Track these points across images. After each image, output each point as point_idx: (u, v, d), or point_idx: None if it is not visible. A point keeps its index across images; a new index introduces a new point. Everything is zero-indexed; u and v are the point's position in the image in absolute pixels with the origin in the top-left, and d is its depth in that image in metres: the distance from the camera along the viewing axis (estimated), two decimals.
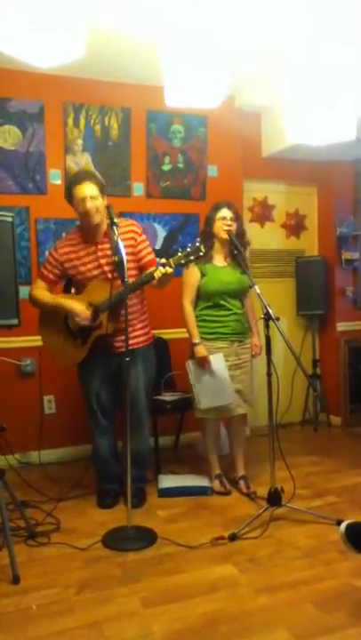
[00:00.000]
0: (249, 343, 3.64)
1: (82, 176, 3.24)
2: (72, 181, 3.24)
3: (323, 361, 5.32)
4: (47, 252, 3.52)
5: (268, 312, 3.10)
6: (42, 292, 3.36)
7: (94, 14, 3.07)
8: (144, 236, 3.38)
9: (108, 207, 3.16)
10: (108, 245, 3.21)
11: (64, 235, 4.17)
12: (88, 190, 3.15)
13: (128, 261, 3.13)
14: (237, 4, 3.08)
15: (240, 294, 3.62)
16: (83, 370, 3.41)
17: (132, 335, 3.22)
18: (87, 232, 3.29)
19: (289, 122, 4.13)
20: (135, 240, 3.30)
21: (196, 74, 3.24)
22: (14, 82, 4.09)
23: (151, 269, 3.15)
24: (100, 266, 3.26)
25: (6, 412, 3.67)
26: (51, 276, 3.38)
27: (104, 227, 3.24)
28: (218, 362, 3.48)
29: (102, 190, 3.22)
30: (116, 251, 3.03)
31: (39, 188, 4.24)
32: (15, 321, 2.81)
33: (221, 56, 3.17)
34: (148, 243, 3.39)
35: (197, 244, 2.99)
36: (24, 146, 4.19)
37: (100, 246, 3.26)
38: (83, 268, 3.29)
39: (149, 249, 3.38)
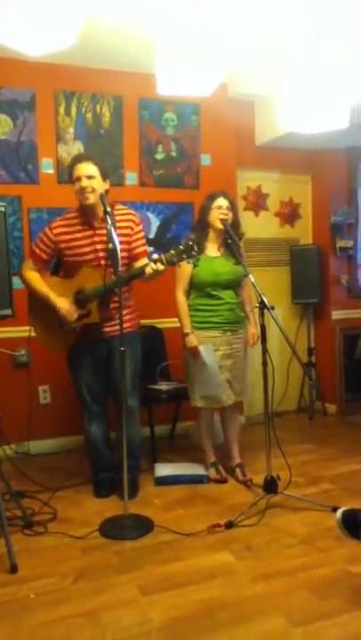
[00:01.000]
0: (243, 333, 3.63)
1: (83, 156, 3.31)
2: (73, 161, 3.27)
3: (318, 349, 5.33)
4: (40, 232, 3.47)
5: (263, 301, 3.10)
6: (33, 275, 3.32)
7: (86, 2, 3.04)
8: (140, 227, 3.37)
9: (100, 195, 3.13)
10: (105, 231, 3.17)
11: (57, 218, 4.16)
12: (86, 169, 3.16)
13: (122, 250, 3.13)
14: (237, 4, 3.07)
15: (233, 284, 3.61)
16: (72, 359, 3.39)
17: (117, 321, 3.19)
18: (85, 215, 3.26)
19: (282, 110, 4.11)
20: (132, 229, 3.29)
21: (188, 62, 3.21)
22: (5, 70, 4.04)
23: (142, 261, 3.14)
24: (95, 250, 3.22)
25: (1, 403, 3.66)
26: (43, 256, 3.34)
27: (100, 211, 3.20)
28: (207, 352, 3.48)
29: (104, 175, 3.22)
30: (110, 238, 3.01)
31: (31, 177, 4.21)
32: (9, 311, 2.80)
33: (215, 48, 3.15)
34: (143, 234, 3.39)
35: (190, 242, 2.95)
36: (15, 135, 4.15)
37: (97, 231, 3.23)
38: (77, 250, 3.25)
39: (143, 241, 3.37)
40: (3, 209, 2.79)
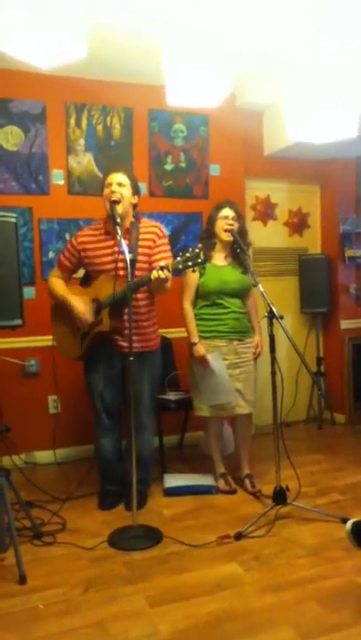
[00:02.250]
0: (250, 342, 3.63)
1: (118, 166, 3.35)
2: (107, 170, 3.33)
3: (327, 359, 5.31)
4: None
5: (271, 310, 3.10)
6: (57, 281, 3.39)
7: (96, 14, 3.08)
8: (165, 240, 3.36)
9: (111, 205, 3.15)
10: (127, 242, 3.19)
11: (67, 235, 4.20)
12: (118, 177, 3.21)
13: (142, 262, 3.20)
14: (237, 4, 3.09)
15: (240, 293, 3.61)
16: (88, 369, 3.41)
17: (139, 338, 3.22)
18: (110, 224, 3.28)
19: (291, 120, 4.12)
20: (154, 242, 3.30)
21: (197, 73, 3.24)
22: (16, 82, 4.10)
23: (151, 272, 3.15)
24: (115, 261, 3.21)
25: (11, 413, 3.67)
26: (67, 264, 3.40)
27: (127, 223, 3.25)
28: (216, 360, 3.48)
29: (134, 189, 3.27)
30: (130, 249, 3.04)
31: (42, 188, 4.25)
32: (19, 321, 2.80)
33: (222, 56, 3.17)
34: (167, 247, 3.36)
35: (197, 250, 2.93)
36: (26, 146, 4.19)
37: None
38: (98, 260, 3.28)
39: (165, 254, 3.31)
40: (14, 220, 2.81)
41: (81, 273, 3.50)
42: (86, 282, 3.44)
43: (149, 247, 3.28)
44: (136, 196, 3.29)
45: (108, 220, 3.30)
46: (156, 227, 3.37)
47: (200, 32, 3.05)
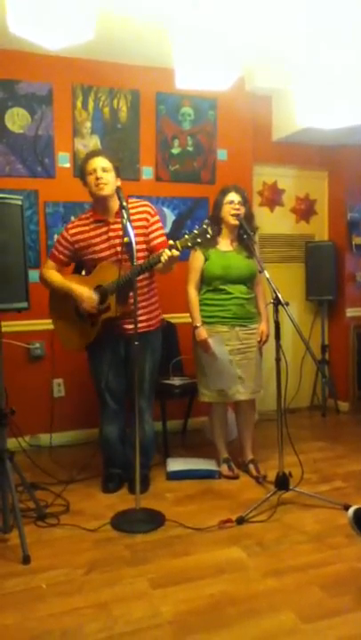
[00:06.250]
0: (255, 329, 3.61)
1: (96, 152, 3.36)
2: (86, 157, 3.28)
3: (332, 346, 5.30)
4: (58, 235, 3.51)
5: (277, 297, 3.09)
6: (52, 272, 3.36)
7: None
8: (157, 217, 3.35)
9: (117, 189, 3.14)
10: (119, 226, 3.14)
11: (73, 218, 4.17)
12: (100, 162, 3.18)
13: (139, 242, 3.13)
14: None
15: (245, 279, 3.59)
16: (92, 354, 3.40)
17: (142, 318, 3.22)
18: (100, 211, 3.28)
19: (300, 105, 4.08)
20: (148, 221, 3.28)
21: (206, 56, 3.20)
22: (23, 63, 4.06)
23: (159, 252, 3.13)
24: (111, 246, 3.22)
25: (16, 396, 3.68)
26: (62, 257, 3.37)
27: (116, 206, 3.21)
28: (217, 344, 3.48)
29: (116, 170, 3.23)
30: (125, 233, 3.01)
31: (48, 171, 4.23)
32: (25, 304, 2.81)
33: (232, 40, 3.14)
34: (160, 224, 3.36)
35: (205, 225, 2.93)
36: (32, 129, 4.17)
37: (111, 226, 3.24)
38: (94, 249, 3.27)
39: (161, 231, 3.33)
40: (19, 203, 2.80)
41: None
42: (79, 271, 3.43)
43: (144, 227, 3.26)
44: (118, 179, 3.24)
45: (94, 208, 3.30)
46: (147, 205, 3.34)
47: (210, 15, 3.02)
